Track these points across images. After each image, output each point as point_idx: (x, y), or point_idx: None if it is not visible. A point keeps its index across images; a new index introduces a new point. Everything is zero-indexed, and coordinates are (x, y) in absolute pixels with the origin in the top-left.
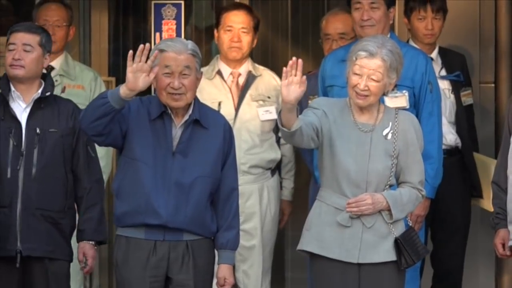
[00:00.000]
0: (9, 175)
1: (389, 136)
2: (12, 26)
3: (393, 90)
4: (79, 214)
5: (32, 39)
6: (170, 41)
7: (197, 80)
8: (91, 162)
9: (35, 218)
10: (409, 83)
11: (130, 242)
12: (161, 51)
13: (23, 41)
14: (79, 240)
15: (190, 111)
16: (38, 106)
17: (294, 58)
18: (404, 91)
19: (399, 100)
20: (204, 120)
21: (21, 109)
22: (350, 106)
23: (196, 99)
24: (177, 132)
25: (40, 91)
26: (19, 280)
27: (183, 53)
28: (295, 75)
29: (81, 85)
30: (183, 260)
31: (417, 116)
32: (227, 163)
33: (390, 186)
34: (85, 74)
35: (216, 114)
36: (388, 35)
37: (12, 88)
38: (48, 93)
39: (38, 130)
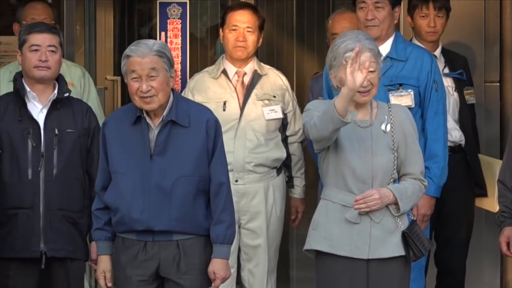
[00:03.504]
0: (30, 177)
1: (388, 129)
2: (28, 26)
3: (398, 89)
4: None
5: (55, 39)
6: (135, 46)
7: (171, 78)
8: None
9: (57, 218)
10: (415, 82)
11: (124, 242)
12: (128, 56)
13: (47, 42)
14: (92, 239)
15: (165, 112)
16: (54, 106)
17: (359, 45)
18: (409, 90)
19: (404, 99)
20: (183, 119)
21: (37, 110)
22: None
23: (176, 97)
24: (154, 134)
25: (56, 91)
26: (40, 281)
27: (146, 55)
28: (356, 62)
29: (70, 82)
30: (173, 259)
31: (422, 115)
32: (213, 159)
33: (394, 180)
34: (72, 70)
35: (201, 110)
36: (393, 35)
37: (28, 89)
38: (66, 94)
39: (56, 131)
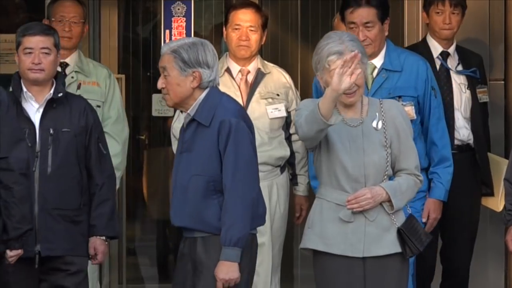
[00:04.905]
0: None
1: (379, 126)
2: (23, 28)
3: (398, 101)
4: (91, 209)
5: (48, 41)
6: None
7: (191, 78)
8: (103, 159)
9: (52, 218)
10: (413, 92)
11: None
12: None
13: (40, 45)
14: (90, 235)
15: (189, 110)
16: (50, 106)
17: (356, 51)
18: (409, 102)
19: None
20: (205, 117)
21: (33, 110)
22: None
23: (208, 95)
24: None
25: (52, 91)
26: (40, 278)
27: (163, 54)
28: (350, 67)
29: (96, 81)
30: (194, 256)
31: (421, 122)
32: (223, 161)
33: (389, 178)
34: (99, 71)
35: (226, 110)
36: (385, 46)
37: (24, 89)
38: (60, 94)
39: (51, 131)
